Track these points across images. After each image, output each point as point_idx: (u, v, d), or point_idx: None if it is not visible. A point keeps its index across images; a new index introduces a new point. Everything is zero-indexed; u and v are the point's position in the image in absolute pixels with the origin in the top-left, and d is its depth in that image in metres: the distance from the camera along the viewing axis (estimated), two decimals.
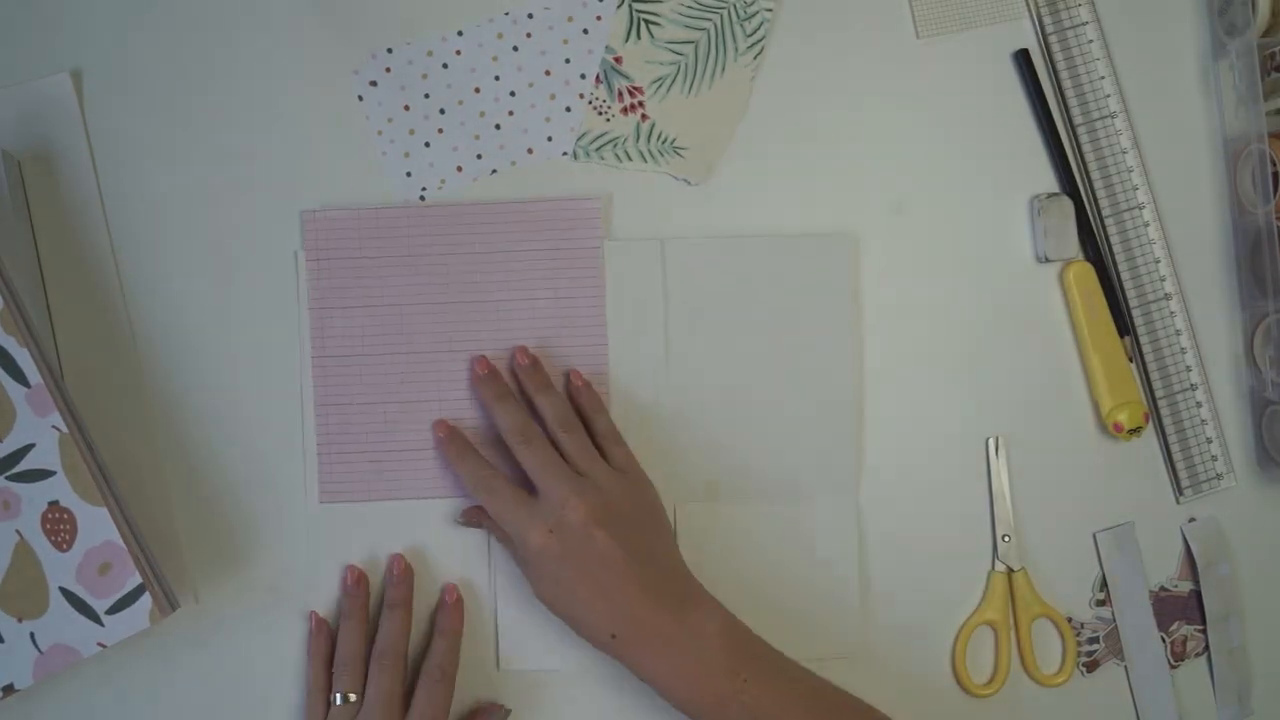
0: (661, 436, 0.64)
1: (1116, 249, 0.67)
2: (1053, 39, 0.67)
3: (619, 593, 0.56)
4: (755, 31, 0.65)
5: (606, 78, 0.65)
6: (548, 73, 0.65)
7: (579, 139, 0.65)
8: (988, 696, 0.65)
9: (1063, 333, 0.67)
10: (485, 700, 0.63)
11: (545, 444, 0.60)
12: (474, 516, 0.62)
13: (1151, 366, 0.67)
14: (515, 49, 0.64)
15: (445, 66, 0.64)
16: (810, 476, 0.65)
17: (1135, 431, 0.65)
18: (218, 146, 0.64)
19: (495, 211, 0.64)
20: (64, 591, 0.56)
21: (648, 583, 0.56)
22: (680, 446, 0.64)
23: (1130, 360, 0.67)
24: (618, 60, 0.65)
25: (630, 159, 0.65)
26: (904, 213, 0.66)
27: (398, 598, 0.61)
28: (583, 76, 0.65)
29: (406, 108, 0.64)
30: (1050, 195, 0.66)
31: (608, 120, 0.65)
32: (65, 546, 0.56)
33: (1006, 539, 0.66)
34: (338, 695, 0.59)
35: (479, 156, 0.64)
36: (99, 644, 0.56)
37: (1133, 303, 0.67)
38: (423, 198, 0.64)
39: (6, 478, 0.56)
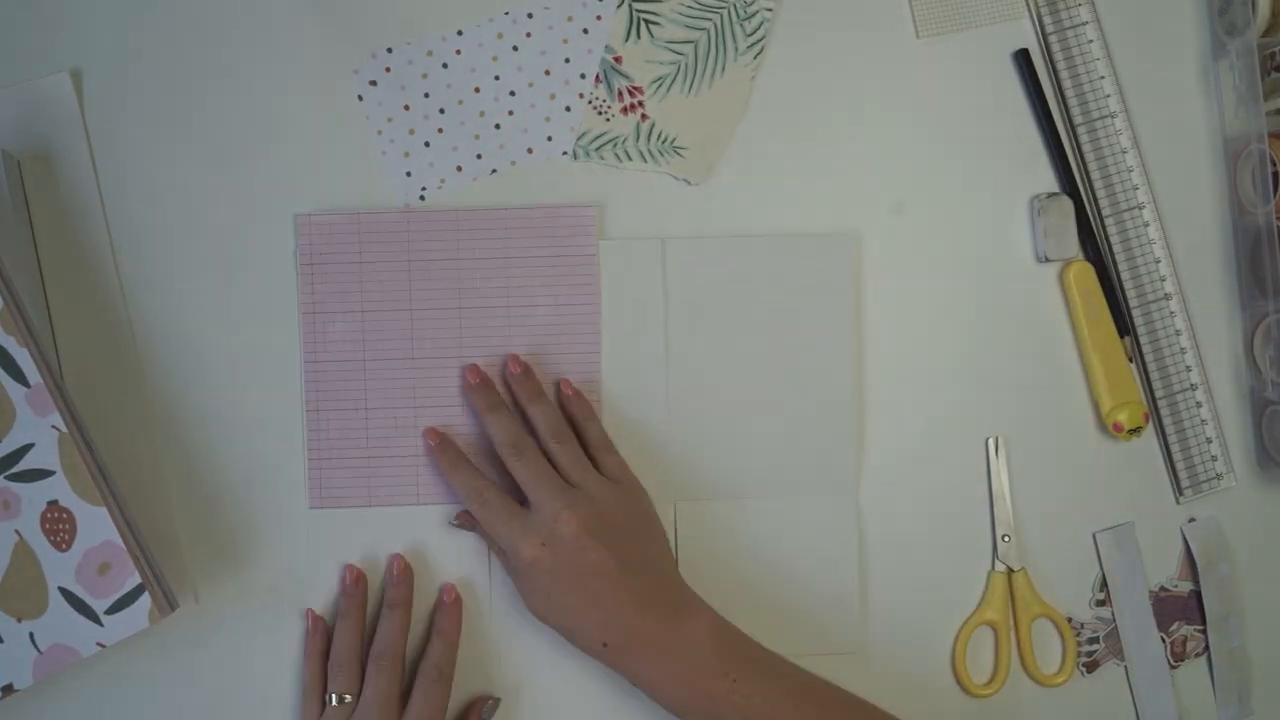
0: (661, 435, 0.64)
1: (1116, 249, 0.67)
2: (1053, 39, 0.67)
3: (611, 603, 0.56)
4: (755, 31, 0.65)
5: (606, 77, 0.65)
6: (548, 72, 0.65)
7: (579, 139, 0.65)
8: (988, 696, 0.65)
9: (1063, 333, 0.67)
10: (481, 695, 0.63)
11: (537, 455, 0.60)
12: (468, 520, 0.62)
13: (1151, 366, 0.67)
14: (515, 49, 0.64)
15: (445, 66, 0.64)
16: (810, 476, 0.65)
17: (1135, 431, 0.65)
18: (218, 146, 0.64)
19: (490, 217, 0.64)
20: (63, 591, 0.56)
21: (640, 592, 0.57)
22: (680, 445, 0.64)
23: (1130, 360, 0.67)
24: (618, 60, 0.65)
25: (630, 159, 0.65)
26: (904, 213, 0.66)
27: (397, 598, 0.61)
28: (583, 76, 0.65)
29: (406, 107, 0.64)
30: (1050, 195, 0.66)
31: (608, 120, 0.65)
32: (65, 546, 0.56)
33: (1006, 539, 0.66)
34: (333, 696, 0.59)
35: (479, 156, 0.64)
36: (98, 644, 0.56)
37: (1133, 303, 0.67)
38: (422, 198, 0.64)
39: (6, 477, 0.56)
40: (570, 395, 0.63)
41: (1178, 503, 0.67)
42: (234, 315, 0.63)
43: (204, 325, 0.63)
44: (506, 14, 0.64)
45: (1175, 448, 0.67)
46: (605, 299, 0.64)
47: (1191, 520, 0.67)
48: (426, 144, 0.64)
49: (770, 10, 0.65)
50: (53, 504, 0.56)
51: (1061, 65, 0.67)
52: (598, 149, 0.65)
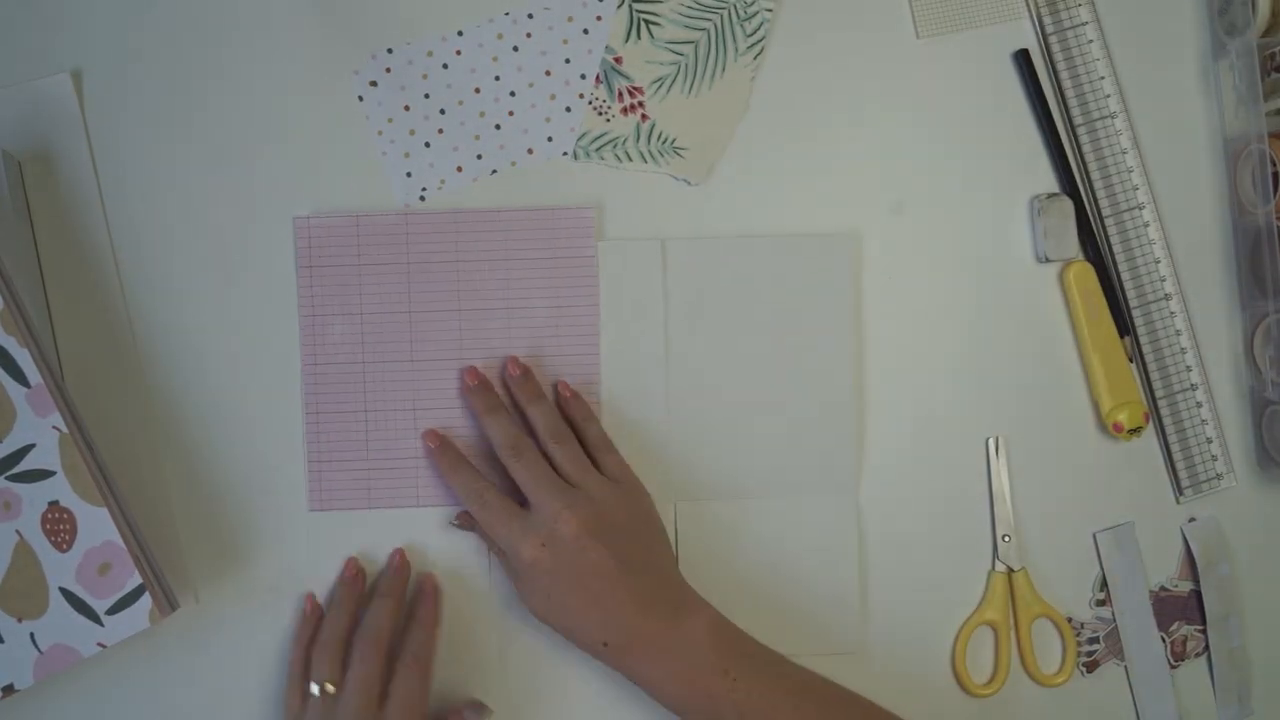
0: (661, 435, 0.64)
1: (1116, 249, 0.67)
2: (1053, 39, 0.67)
3: (612, 602, 0.56)
4: (755, 31, 0.65)
5: (606, 78, 0.65)
6: (548, 73, 0.65)
7: (579, 139, 0.65)
8: (988, 696, 0.66)
9: (1063, 333, 0.67)
10: (472, 701, 0.63)
11: (537, 456, 0.60)
12: (468, 521, 0.62)
13: (1151, 366, 0.67)
14: (515, 49, 0.64)
15: (445, 67, 0.64)
16: (810, 476, 0.65)
17: (1135, 431, 0.66)
18: (218, 146, 0.64)
19: (489, 219, 0.64)
20: (64, 591, 0.56)
21: (640, 592, 0.57)
22: (680, 445, 0.64)
23: (1130, 360, 0.67)
24: (618, 60, 0.65)
25: (630, 159, 0.65)
26: (904, 213, 0.66)
27: (390, 588, 0.61)
28: (583, 76, 0.65)
29: (407, 108, 0.64)
30: (1050, 195, 0.66)
31: (608, 120, 0.65)
32: (65, 547, 0.56)
33: (1006, 539, 0.66)
34: (315, 685, 0.58)
35: (479, 157, 0.64)
36: (99, 644, 0.56)
37: (1133, 303, 0.67)
38: (423, 198, 0.64)
39: (6, 478, 0.56)
40: (568, 397, 0.63)
41: (1178, 503, 0.67)
42: (234, 315, 0.63)
43: (204, 325, 0.63)
44: (506, 14, 0.64)
45: (1175, 448, 0.67)
46: (604, 299, 0.64)
47: (1191, 520, 0.68)
48: (427, 144, 0.64)
49: (770, 10, 0.65)
50: (53, 504, 0.56)
51: (1061, 65, 0.67)
52: (598, 149, 0.65)
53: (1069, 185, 0.66)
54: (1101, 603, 0.67)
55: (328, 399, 0.63)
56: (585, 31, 0.65)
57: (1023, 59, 0.66)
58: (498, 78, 0.64)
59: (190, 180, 0.63)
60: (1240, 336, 0.68)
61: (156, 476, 0.62)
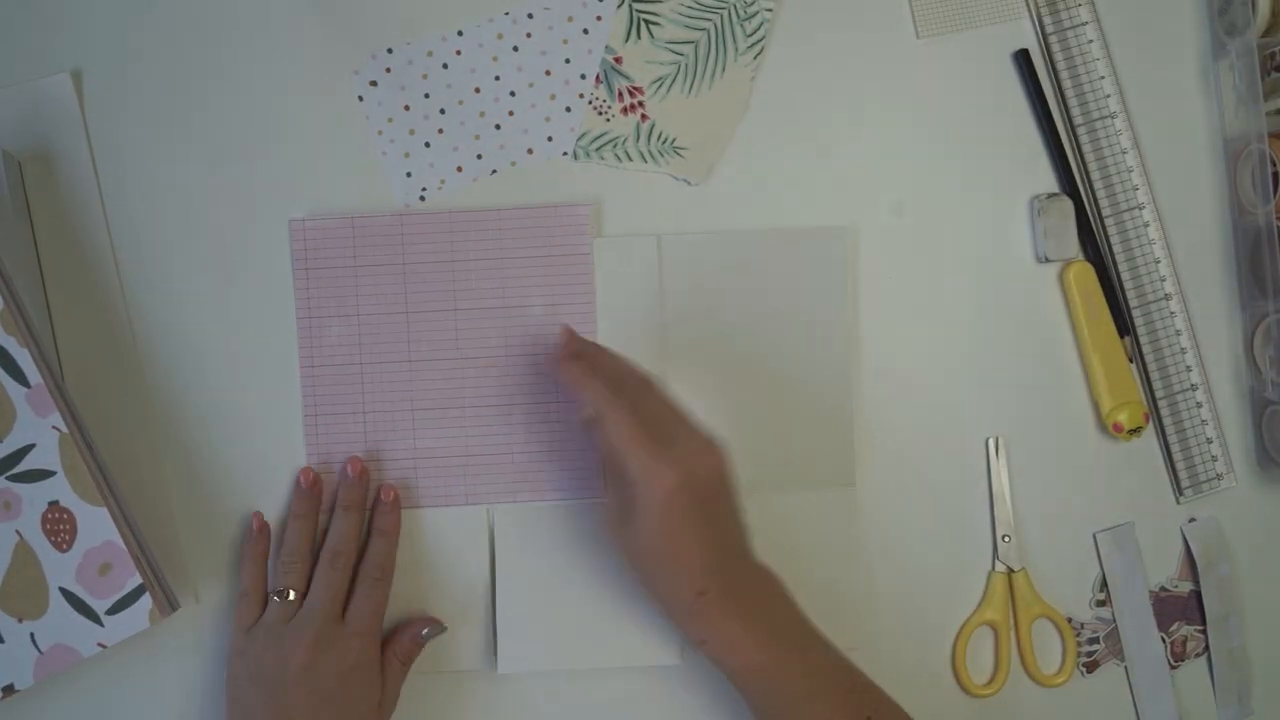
0: None
1: (1116, 249, 0.67)
2: (1053, 39, 0.67)
3: (725, 550, 0.56)
4: (755, 31, 0.65)
5: (606, 78, 0.65)
6: (548, 73, 0.65)
7: (579, 139, 0.65)
8: (988, 696, 0.65)
9: (1063, 333, 0.67)
10: (429, 617, 0.63)
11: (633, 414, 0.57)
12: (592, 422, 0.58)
13: (1151, 366, 0.67)
14: (515, 49, 0.64)
15: (445, 66, 0.64)
16: (810, 476, 0.65)
17: (1135, 431, 0.65)
18: (218, 146, 0.64)
19: (484, 218, 0.64)
20: (64, 592, 0.56)
21: (744, 550, 0.57)
22: None
23: (1130, 360, 0.67)
24: (618, 60, 0.65)
25: (630, 159, 0.65)
26: (904, 213, 0.66)
27: (352, 500, 0.62)
28: (583, 76, 0.65)
29: (407, 108, 0.64)
30: (1050, 195, 0.66)
31: (608, 120, 0.65)
32: (65, 547, 0.56)
33: (1006, 539, 0.66)
34: (276, 595, 0.59)
35: (479, 156, 0.64)
36: (99, 644, 0.56)
37: (1133, 303, 0.67)
38: (423, 198, 0.64)
39: (7, 478, 0.56)
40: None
41: (1178, 503, 0.67)
42: (234, 315, 0.63)
43: (204, 325, 0.63)
44: (506, 14, 0.64)
45: (1175, 448, 0.67)
46: (600, 296, 0.64)
47: (1191, 520, 0.67)
48: (427, 144, 0.64)
49: (770, 10, 0.65)
50: (53, 504, 0.56)
51: (1061, 65, 0.67)
52: (598, 149, 0.65)
53: (1069, 185, 0.66)
54: (1101, 603, 0.67)
55: (326, 399, 0.63)
56: (585, 31, 0.65)
57: (1023, 59, 0.66)
58: (498, 78, 0.64)
59: (190, 180, 0.63)
60: (1240, 336, 0.68)
61: (156, 476, 0.62)
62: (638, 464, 0.55)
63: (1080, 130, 0.67)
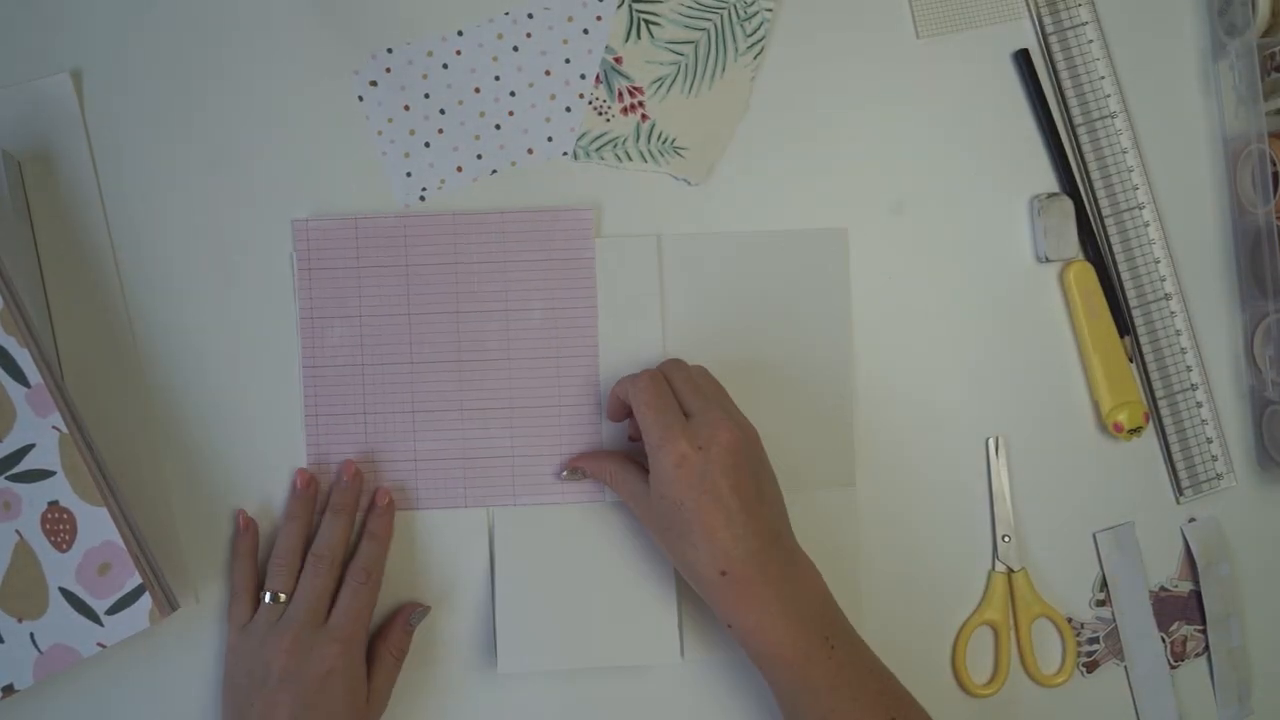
0: None
1: (1116, 249, 0.67)
2: (1053, 39, 0.67)
3: (741, 529, 0.55)
4: (755, 31, 0.65)
5: (606, 78, 0.65)
6: (548, 73, 0.65)
7: (579, 139, 0.65)
8: (988, 696, 0.66)
9: (1063, 333, 0.67)
10: (413, 601, 0.63)
11: (670, 393, 0.58)
12: (587, 464, 0.62)
13: (1151, 366, 0.67)
14: (515, 49, 0.64)
15: (445, 67, 0.64)
16: (810, 475, 0.65)
17: (1135, 431, 0.65)
18: (218, 146, 0.64)
19: (487, 221, 0.64)
20: (64, 592, 0.56)
21: (765, 528, 0.56)
22: None
23: (1130, 360, 0.67)
24: (618, 60, 0.65)
25: (630, 159, 0.65)
26: (904, 213, 0.66)
27: (342, 503, 0.62)
28: (583, 76, 0.65)
29: (407, 108, 0.64)
30: (1050, 195, 0.66)
31: (608, 120, 0.65)
32: (65, 547, 0.56)
33: (1006, 539, 0.66)
34: (268, 594, 0.59)
35: (479, 157, 0.64)
36: (99, 644, 0.56)
37: (1133, 303, 0.67)
38: (423, 198, 0.64)
39: (6, 478, 0.56)
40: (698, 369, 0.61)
41: (1178, 503, 0.67)
42: (234, 316, 0.63)
43: (204, 324, 0.63)
44: (506, 14, 0.64)
45: (1175, 448, 0.67)
46: (601, 296, 0.64)
47: (1191, 520, 0.68)
48: (427, 144, 0.64)
49: (770, 10, 0.65)
50: (53, 504, 0.56)
51: (1061, 65, 0.67)
52: (598, 149, 0.65)
53: (1069, 185, 0.66)
54: (1101, 603, 0.67)
55: (327, 400, 0.63)
56: (585, 31, 0.65)
57: (1023, 59, 0.66)
58: (498, 78, 0.64)
59: (190, 180, 0.63)
60: (1240, 336, 0.68)
61: (156, 476, 0.62)
62: (654, 433, 0.56)
63: (1080, 130, 0.67)
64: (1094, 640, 0.67)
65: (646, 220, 0.65)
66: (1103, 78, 0.67)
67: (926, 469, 0.66)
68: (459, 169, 0.64)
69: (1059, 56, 0.67)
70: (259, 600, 0.60)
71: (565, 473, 0.63)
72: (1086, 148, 0.67)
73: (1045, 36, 0.67)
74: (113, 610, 0.56)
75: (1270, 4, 0.64)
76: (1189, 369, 0.67)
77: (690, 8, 0.65)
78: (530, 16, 0.64)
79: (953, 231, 0.66)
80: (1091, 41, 0.67)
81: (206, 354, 0.63)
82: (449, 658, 0.63)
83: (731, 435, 0.56)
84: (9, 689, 0.56)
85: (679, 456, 0.55)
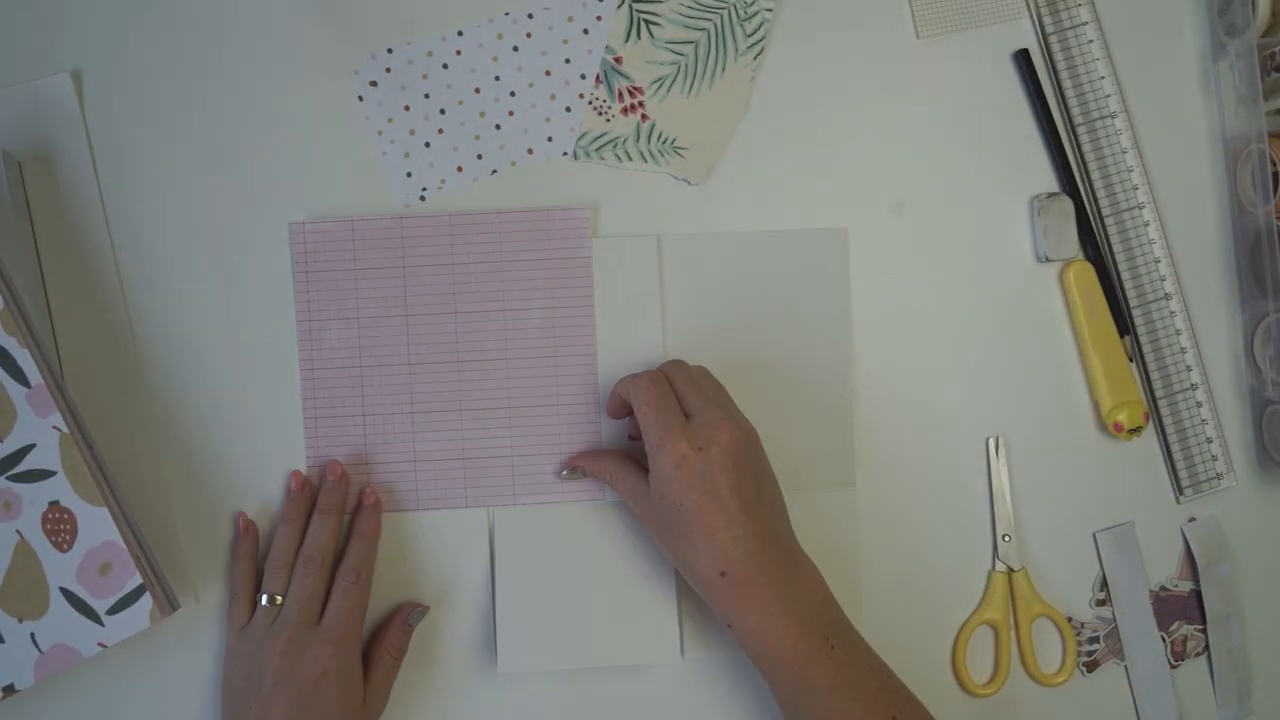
0: None
1: (1116, 249, 0.67)
2: (1053, 39, 0.67)
3: (740, 529, 0.55)
4: (755, 31, 0.65)
5: (606, 78, 0.65)
6: (548, 73, 0.65)
7: (579, 139, 0.65)
8: (988, 696, 0.66)
9: (1063, 333, 0.67)
10: (411, 601, 0.63)
11: (671, 395, 0.58)
12: (586, 463, 0.62)
13: (1151, 366, 0.67)
14: (515, 49, 0.64)
15: (445, 67, 0.64)
16: (810, 475, 0.65)
17: (1135, 431, 0.66)
18: (218, 146, 0.64)
19: (484, 221, 0.64)
20: (64, 592, 0.56)
21: (765, 529, 0.56)
22: None
23: (1130, 360, 0.67)
24: (618, 60, 0.65)
25: (630, 159, 0.65)
26: (904, 213, 0.66)
27: (329, 503, 0.62)
28: (583, 76, 0.65)
29: (407, 108, 0.64)
30: (1050, 195, 0.66)
31: (608, 120, 0.65)
32: (65, 547, 0.56)
33: (1006, 539, 0.66)
34: (264, 597, 0.60)
35: (479, 157, 0.64)
36: (99, 644, 0.56)
37: (1133, 303, 0.67)
38: (423, 198, 0.64)
39: (7, 478, 0.56)
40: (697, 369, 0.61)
41: (1178, 503, 0.67)
42: (235, 316, 0.63)
43: (204, 324, 0.63)
44: (506, 14, 0.64)
45: (1175, 448, 0.67)
46: (600, 296, 0.64)
47: (1191, 520, 0.68)
48: (427, 144, 0.64)
49: (770, 10, 0.65)
50: (54, 504, 0.56)
51: (1061, 65, 0.67)
52: (598, 149, 0.65)
53: (1069, 185, 0.66)
54: (1101, 603, 0.67)
55: (326, 401, 0.63)
56: (585, 31, 0.65)
57: (1023, 59, 0.66)
58: (498, 78, 0.64)
59: (190, 180, 0.63)
60: (1240, 336, 0.68)
61: (156, 476, 0.62)
62: (655, 433, 0.56)
63: (1080, 130, 0.67)
64: (1094, 640, 0.67)
65: (647, 220, 0.65)
66: (1103, 78, 0.67)
67: (926, 469, 0.66)
68: (459, 169, 0.64)
69: (1059, 56, 0.67)
70: (257, 603, 0.60)
71: (565, 472, 0.63)
72: (1086, 148, 0.67)
73: (1045, 36, 0.67)
74: (113, 610, 0.56)
75: (1270, 4, 0.64)
76: (1189, 369, 0.67)
77: (690, 8, 0.65)
78: (530, 16, 0.64)
79: (953, 231, 0.66)
80: (1091, 41, 0.67)
81: (206, 354, 0.63)
82: (449, 658, 0.63)
83: (732, 436, 0.56)
84: (10, 689, 0.56)
85: (679, 457, 0.55)
